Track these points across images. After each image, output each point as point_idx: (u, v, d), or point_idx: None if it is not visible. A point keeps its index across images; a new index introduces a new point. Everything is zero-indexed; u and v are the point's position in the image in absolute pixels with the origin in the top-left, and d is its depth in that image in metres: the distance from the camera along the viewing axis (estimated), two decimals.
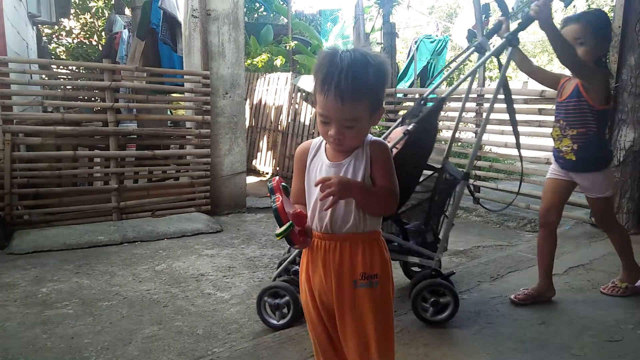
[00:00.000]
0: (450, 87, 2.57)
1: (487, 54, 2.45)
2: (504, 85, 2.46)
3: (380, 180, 1.37)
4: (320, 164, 1.40)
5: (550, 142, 5.15)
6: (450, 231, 2.58)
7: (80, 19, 13.61)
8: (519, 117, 4.68)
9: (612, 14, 4.19)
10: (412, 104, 6.35)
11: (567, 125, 2.55)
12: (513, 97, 5.14)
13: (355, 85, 1.24)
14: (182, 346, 2.31)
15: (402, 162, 2.23)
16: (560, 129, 2.59)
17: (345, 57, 1.25)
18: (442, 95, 2.39)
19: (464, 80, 2.66)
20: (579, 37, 2.44)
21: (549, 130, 4.47)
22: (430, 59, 9.94)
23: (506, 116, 5.12)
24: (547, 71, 2.87)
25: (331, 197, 1.25)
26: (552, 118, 4.39)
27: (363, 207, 1.36)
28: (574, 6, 19.56)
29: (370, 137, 1.38)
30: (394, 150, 2.30)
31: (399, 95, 6.08)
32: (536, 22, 2.33)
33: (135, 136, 4.76)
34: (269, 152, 7.44)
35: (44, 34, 12.14)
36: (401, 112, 5.87)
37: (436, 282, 2.42)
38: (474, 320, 2.47)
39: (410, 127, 2.27)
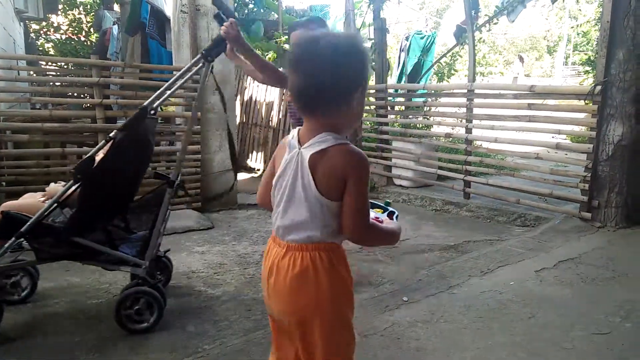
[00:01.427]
0: (158, 93, 2.50)
1: (189, 65, 2.61)
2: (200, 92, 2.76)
3: None
4: None
5: (538, 137, 5.17)
6: (158, 239, 2.55)
7: (69, 14, 13.45)
8: (508, 112, 4.73)
9: (601, 9, 4.21)
10: (402, 99, 6.36)
11: (296, 123, 2.74)
12: (503, 92, 5.16)
13: None
14: (173, 343, 2.30)
15: (108, 167, 2.32)
16: (294, 126, 2.77)
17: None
18: (147, 104, 2.41)
19: (178, 87, 2.60)
20: None
21: (539, 125, 4.53)
22: (421, 55, 9.94)
23: (496, 111, 5.14)
24: (277, 71, 2.75)
25: None
26: (542, 113, 4.44)
27: None
28: (564, 0, 19.67)
29: None
30: (100, 155, 2.36)
31: (390, 90, 6.08)
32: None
33: None
34: (260, 149, 7.42)
35: (31, 30, 11.98)
36: (394, 108, 5.85)
37: (141, 290, 2.42)
38: (464, 315, 2.49)
39: (112, 133, 2.34)
